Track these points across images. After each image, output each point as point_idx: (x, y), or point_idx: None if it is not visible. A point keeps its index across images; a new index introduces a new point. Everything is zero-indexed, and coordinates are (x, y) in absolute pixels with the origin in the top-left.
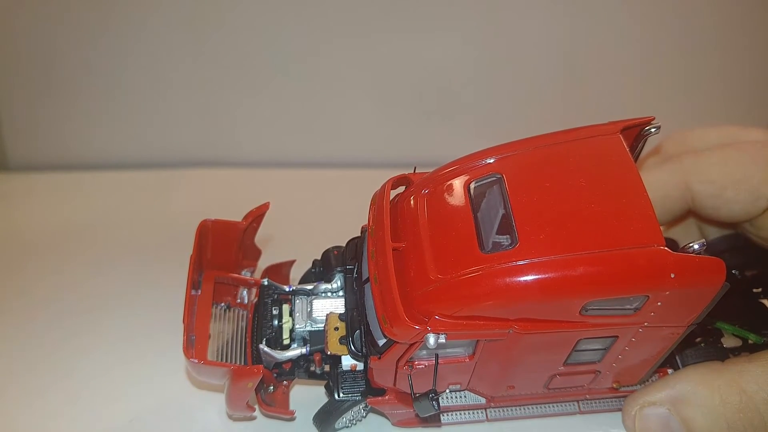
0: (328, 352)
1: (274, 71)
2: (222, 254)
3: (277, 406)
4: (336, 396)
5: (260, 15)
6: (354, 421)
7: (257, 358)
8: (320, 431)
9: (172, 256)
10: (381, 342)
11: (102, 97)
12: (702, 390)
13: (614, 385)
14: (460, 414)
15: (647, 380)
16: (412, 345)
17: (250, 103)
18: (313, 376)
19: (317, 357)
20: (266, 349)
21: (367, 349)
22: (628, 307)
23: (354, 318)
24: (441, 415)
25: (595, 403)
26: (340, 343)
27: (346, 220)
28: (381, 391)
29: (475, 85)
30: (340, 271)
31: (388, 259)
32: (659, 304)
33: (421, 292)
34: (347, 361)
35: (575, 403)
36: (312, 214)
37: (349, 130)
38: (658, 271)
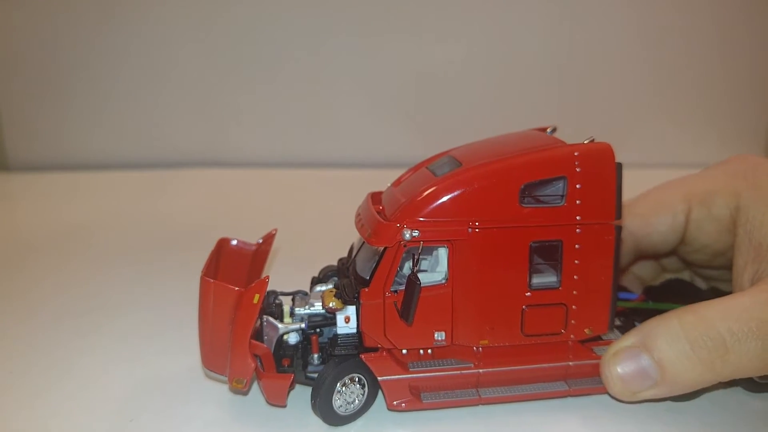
0: (324, 307)
1: (274, 72)
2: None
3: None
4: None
5: (262, 16)
6: (352, 405)
7: (260, 334)
8: (322, 414)
9: (171, 256)
10: (368, 277)
11: (102, 98)
12: (663, 322)
13: (586, 331)
14: (452, 394)
15: (613, 325)
16: (394, 261)
17: (249, 104)
18: (309, 379)
19: (314, 338)
20: (270, 319)
21: (357, 289)
22: (556, 195)
23: (344, 280)
24: (433, 396)
25: (584, 382)
26: (335, 297)
27: (345, 220)
28: (374, 349)
29: (476, 87)
30: (333, 275)
31: (371, 207)
32: (578, 186)
33: (393, 215)
34: (341, 315)
35: (564, 383)
36: (312, 214)
37: (348, 131)
38: (564, 152)
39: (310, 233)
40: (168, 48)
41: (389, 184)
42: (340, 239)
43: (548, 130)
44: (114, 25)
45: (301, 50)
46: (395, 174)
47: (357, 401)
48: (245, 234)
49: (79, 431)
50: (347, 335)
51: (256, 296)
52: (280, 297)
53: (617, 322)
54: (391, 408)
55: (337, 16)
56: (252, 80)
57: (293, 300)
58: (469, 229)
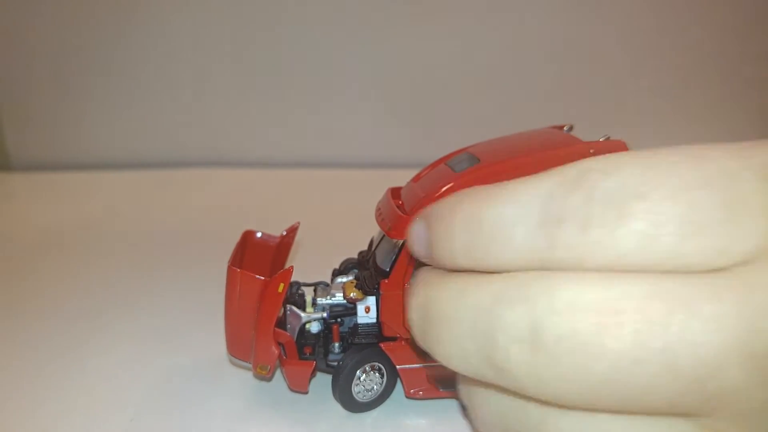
0: (345, 297)
1: (276, 72)
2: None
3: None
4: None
5: (265, 15)
6: (371, 393)
7: (283, 323)
8: (342, 401)
9: (173, 256)
10: (387, 269)
11: (104, 98)
12: None
13: None
14: None
15: None
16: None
17: (250, 104)
18: (330, 366)
19: (335, 328)
20: (293, 308)
21: (377, 280)
22: None
23: (365, 272)
24: (447, 384)
25: None
26: (356, 288)
27: (350, 220)
28: (393, 339)
29: (479, 87)
30: (353, 267)
31: (391, 201)
32: None
33: (413, 209)
34: (362, 306)
35: None
36: (316, 214)
37: (350, 131)
38: (580, 149)
39: (317, 233)
40: (169, 48)
41: (409, 180)
42: (348, 237)
43: (565, 128)
44: (116, 25)
45: (304, 50)
46: (398, 174)
47: (375, 389)
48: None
49: (78, 430)
50: (367, 325)
51: (281, 285)
52: (302, 288)
53: None
54: (408, 396)
55: (341, 15)
56: (254, 81)
57: (315, 291)
58: None
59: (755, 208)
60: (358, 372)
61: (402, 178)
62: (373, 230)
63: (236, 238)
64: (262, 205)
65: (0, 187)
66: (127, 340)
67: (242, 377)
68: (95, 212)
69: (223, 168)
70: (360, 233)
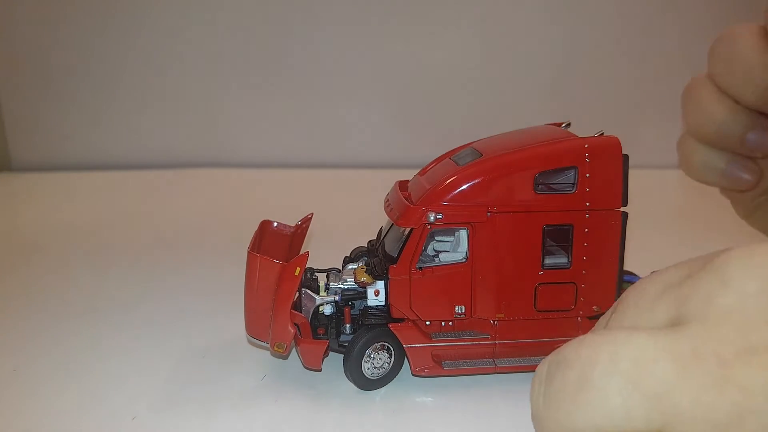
0: (356, 282)
1: (275, 74)
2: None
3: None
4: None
5: (265, 16)
6: (379, 371)
7: (298, 305)
8: (352, 377)
9: (172, 255)
10: (396, 255)
11: (104, 99)
12: None
13: (594, 309)
14: (471, 363)
15: None
16: (419, 241)
17: (249, 106)
18: (342, 347)
19: (347, 310)
20: (308, 291)
21: (386, 266)
22: (568, 183)
23: (374, 259)
24: (453, 363)
25: None
26: (366, 273)
27: (356, 215)
28: (401, 320)
29: (481, 90)
30: (363, 255)
31: (399, 193)
32: (588, 175)
33: (419, 200)
34: (372, 289)
35: None
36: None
37: (350, 132)
38: (576, 144)
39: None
40: (169, 48)
41: (416, 174)
42: (355, 230)
43: (563, 125)
44: (116, 26)
45: (304, 51)
46: (394, 174)
47: (384, 367)
48: (247, 232)
49: (81, 429)
50: (377, 307)
51: (297, 269)
52: (316, 273)
53: None
54: (415, 374)
55: (341, 16)
56: (254, 82)
57: (327, 276)
58: (488, 213)
59: None
60: (367, 350)
61: (404, 177)
62: (377, 224)
63: (242, 235)
64: (271, 204)
65: (1, 187)
66: (126, 337)
67: (230, 382)
68: (95, 212)
69: (221, 168)
70: (366, 226)
